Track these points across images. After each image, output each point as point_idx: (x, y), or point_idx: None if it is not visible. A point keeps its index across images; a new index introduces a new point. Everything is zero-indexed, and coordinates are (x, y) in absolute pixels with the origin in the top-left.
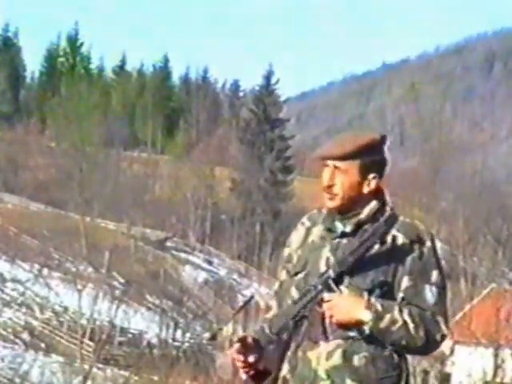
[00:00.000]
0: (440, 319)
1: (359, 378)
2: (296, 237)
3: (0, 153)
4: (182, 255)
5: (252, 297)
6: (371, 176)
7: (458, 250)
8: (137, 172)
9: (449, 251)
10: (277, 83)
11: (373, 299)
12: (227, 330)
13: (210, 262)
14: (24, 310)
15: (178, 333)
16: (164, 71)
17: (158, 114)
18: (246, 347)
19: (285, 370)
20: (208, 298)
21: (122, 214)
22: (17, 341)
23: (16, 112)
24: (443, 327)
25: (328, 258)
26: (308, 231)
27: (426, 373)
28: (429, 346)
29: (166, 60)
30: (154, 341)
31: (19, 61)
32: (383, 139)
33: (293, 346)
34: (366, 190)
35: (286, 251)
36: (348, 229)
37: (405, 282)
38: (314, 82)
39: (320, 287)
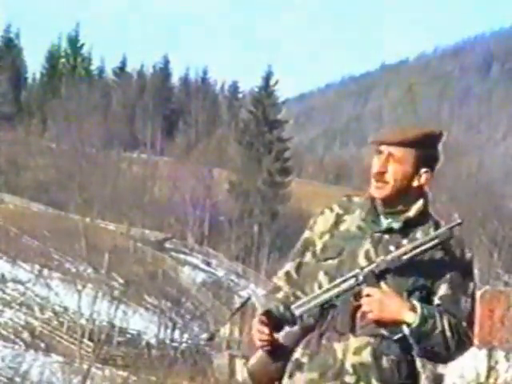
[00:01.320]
0: (471, 332)
1: (384, 379)
2: (322, 221)
3: (1, 153)
4: (181, 256)
5: (249, 298)
6: (424, 170)
7: None
8: (136, 173)
9: None
10: (275, 85)
11: (416, 302)
12: (224, 331)
13: (208, 263)
14: (24, 310)
15: (176, 333)
16: (164, 72)
17: (157, 115)
18: (270, 321)
19: (298, 353)
20: (206, 298)
21: (121, 215)
22: (17, 340)
23: (17, 113)
24: (472, 339)
25: (368, 251)
26: (339, 218)
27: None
28: (456, 355)
29: (166, 61)
30: (153, 341)
31: (20, 62)
32: (441, 135)
33: (316, 332)
34: (416, 183)
35: (307, 234)
36: (396, 225)
37: (443, 290)
38: (312, 83)
39: (361, 279)
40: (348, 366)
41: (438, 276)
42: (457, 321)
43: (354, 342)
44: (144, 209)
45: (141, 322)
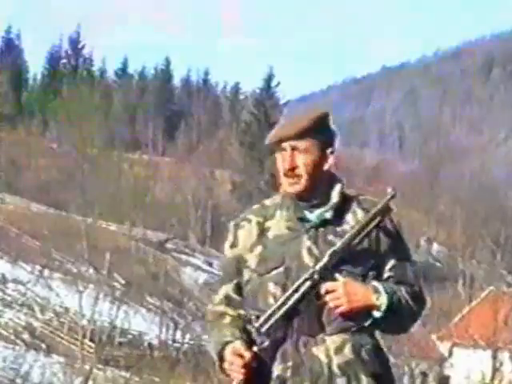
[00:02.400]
0: (423, 294)
1: (369, 371)
2: (244, 235)
3: (2, 154)
4: (183, 257)
5: None
6: (329, 151)
7: (456, 253)
8: (138, 174)
9: (447, 254)
10: (277, 86)
11: (375, 282)
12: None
13: (210, 264)
14: (25, 310)
15: (178, 334)
16: (165, 74)
17: (159, 116)
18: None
19: (279, 369)
20: (208, 299)
21: (122, 216)
22: (18, 341)
23: (18, 114)
24: (426, 300)
25: (310, 248)
26: (261, 226)
27: (424, 375)
28: (417, 320)
29: (168, 63)
30: (155, 342)
31: (21, 63)
32: (328, 113)
33: (288, 342)
34: (326, 167)
35: (233, 252)
36: (329, 215)
37: (390, 262)
38: (314, 85)
39: (317, 277)
40: (335, 369)
41: (382, 250)
42: (411, 288)
43: (331, 342)
44: (145, 209)
45: (142, 323)
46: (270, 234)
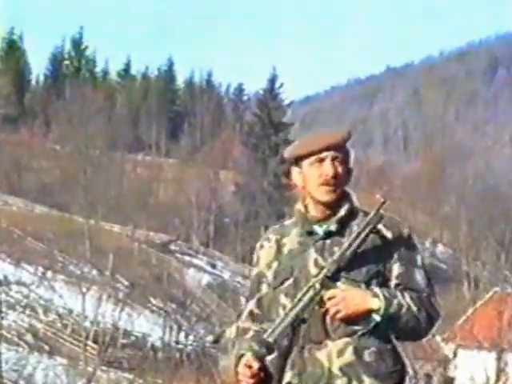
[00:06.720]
0: (433, 300)
1: (372, 373)
2: (265, 254)
3: (5, 155)
4: (186, 258)
5: None
6: (350, 166)
7: (461, 254)
8: (141, 175)
9: (452, 255)
10: (281, 87)
11: (375, 288)
12: (230, 332)
13: (213, 265)
14: (28, 312)
15: (182, 335)
16: (168, 75)
17: (162, 117)
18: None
19: (288, 375)
20: (211, 300)
21: (125, 217)
22: (21, 343)
23: (21, 115)
24: (438, 307)
25: (316, 260)
26: (278, 243)
27: (428, 377)
28: (429, 327)
29: (171, 63)
30: (158, 343)
31: (24, 64)
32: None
33: (295, 350)
34: (348, 181)
35: (255, 270)
36: (333, 227)
37: (396, 269)
38: (318, 85)
39: (318, 286)
40: (336, 371)
41: (387, 259)
42: (417, 294)
43: (334, 346)
44: (149, 211)
45: (146, 325)
46: (285, 250)
